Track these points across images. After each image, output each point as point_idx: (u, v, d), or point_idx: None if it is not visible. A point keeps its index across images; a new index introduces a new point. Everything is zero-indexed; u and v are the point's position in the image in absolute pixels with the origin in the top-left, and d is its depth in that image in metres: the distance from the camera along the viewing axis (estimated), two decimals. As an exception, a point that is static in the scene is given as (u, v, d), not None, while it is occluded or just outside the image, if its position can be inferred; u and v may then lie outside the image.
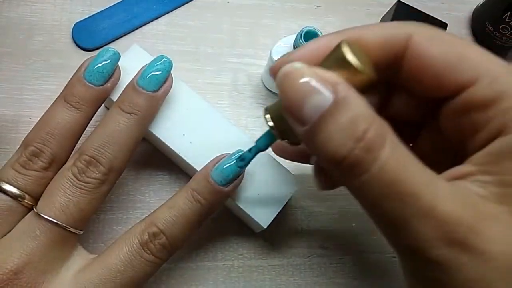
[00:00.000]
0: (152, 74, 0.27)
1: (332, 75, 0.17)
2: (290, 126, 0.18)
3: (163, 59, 0.27)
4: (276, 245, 0.33)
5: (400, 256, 0.18)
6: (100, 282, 0.24)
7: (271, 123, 0.22)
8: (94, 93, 0.26)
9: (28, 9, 0.36)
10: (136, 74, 0.27)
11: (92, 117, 0.27)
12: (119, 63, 0.28)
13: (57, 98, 0.26)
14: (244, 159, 0.25)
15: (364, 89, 0.18)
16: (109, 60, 0.26)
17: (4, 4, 0.36)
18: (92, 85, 0.26)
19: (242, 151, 0.26)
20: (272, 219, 0.29)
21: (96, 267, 0.24)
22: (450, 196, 0.16)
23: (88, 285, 0.24)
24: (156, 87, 0.27)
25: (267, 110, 0.22)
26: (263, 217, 0.29)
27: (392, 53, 0.19)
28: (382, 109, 0.23)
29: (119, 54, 0.27)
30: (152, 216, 0.26)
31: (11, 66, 0.34)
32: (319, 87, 0.17)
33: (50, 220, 0.23)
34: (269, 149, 0.25)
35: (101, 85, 0.26)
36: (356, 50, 0.19)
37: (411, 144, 0.24)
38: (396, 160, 0.16)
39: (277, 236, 0.33)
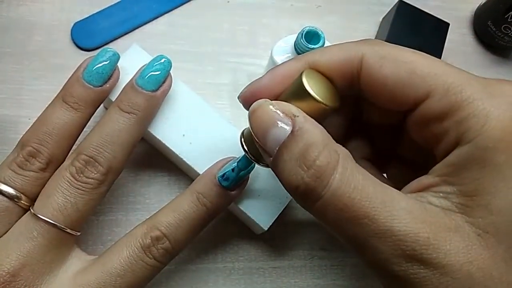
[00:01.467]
0: (151, 74, 0.26)
1: (291, 108, 0.19)
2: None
3: (162, 59, 0.27)
4: (277, 247, 0.33)
5: (371, 271, 0.18)
6: (99, 285, 0.23)
7: (246, 148, 0.23)
8: (92, 94, 0.26)
9: (27, 9, 0.36)
10: (135, 74, 0.27)
11: (90, 117, 0.27)
12: (118, 63, 0.27)
13: (55, 98, 0.26)
14: (228, 179, 0.26)
15: (327, 116, 0.20)
16: (108, 61, 0.26)
17: (3, 4, 0.36)
18: (91, 86, 0.26)
19: (221, 177, 0.26)
20: (273, 220, 0.29)
21: (95, 270, 0.24)
22: (407, 213, 0.16)
23: None
24: (155, 86, 0.26)
25: (242, 135, 0.23)
26: (264, 218, 0.28)
27: (348, 75, 0.20)
28: (358, 115, 0.24)
29: (119, 54, 0.27)
30: (154, 219, 0.25)
31: (10, 66, 0.34)
32: (279, 120, 0.18)
33: (48, 221, 0.23)
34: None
35: (100, 86, 0.26)
36: (316, 79, 0.20)
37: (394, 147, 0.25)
38: (349, 184, 0.17)
39: (278, 238, 0.33)
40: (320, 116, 0.19)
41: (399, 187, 0.19)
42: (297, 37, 0.32)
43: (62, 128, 0.25)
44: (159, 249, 0.24)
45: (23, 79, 0.34)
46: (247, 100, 0.22)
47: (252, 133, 0.19)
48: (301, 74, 0.20)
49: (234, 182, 0.26)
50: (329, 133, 0.23)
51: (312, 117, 0.19)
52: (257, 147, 0.20)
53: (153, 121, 0.28)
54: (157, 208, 0.32)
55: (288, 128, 0.18)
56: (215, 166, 0.27)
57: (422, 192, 0.18)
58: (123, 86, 0.27)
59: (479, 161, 0.16)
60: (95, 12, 0.36)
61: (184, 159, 0.29)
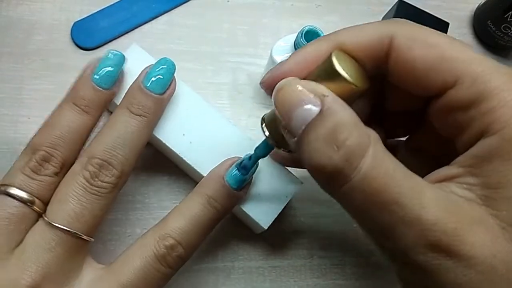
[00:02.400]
0: (159, 77, 0.26)
1: (320, 88, 0.18)
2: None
3: (167, 61, 0.27)
4: (277, 246, 0.33)
5: (389, 260, 0.18)
6: None
7: (267, 133, 0.22)
8: (103, 97, 0.26)
9: (27, 8, 0.36)
10: (139, 76, 0.27)
11: (99, 120, 0.27)
12: None
13: (64, 101, 0.26)
14: (245, 167, 0.26)
15: (356, 98, 0.19)
16: (117, 64, 0.26)
17: (3, 3, 0.35)
18: (101, 89, 0.26)
19: (238, 165, 0.26)
20: (272, 220, 0.28)
21: (109, 281, 0.23)
22: (435, 202, 0.16)
23: None
24: (163, 89, 0.27)
25: (263, 120, 0.23)
26: (263, 218, 0.28)
27: (377, 56, 0.20)
28: (381, 101, 0.24)
29: (125, 56, 0.27)
30: (165, 225, 0.25)
31: (10, 65, 0.34)
32: (307, 100, 0.17)
33: (65, 230, 0.23)
34: (270, 150, 0.25)
35: (109, 89, 0.26)
36: (345, 59, 0.19)
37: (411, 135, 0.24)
38: (379, 169, 0.16)
39: (278, 237, 0.33)
40: (350, 98, 0.19)
41: None
42: (297, 36, 0.32)
43: (74, 131, 0.25)
44: (174, 257, 0.24)
45: (23, 79, 0.34)
46: (271, 85, 0.20)
47: (277, 112, 0.19)
48: (330, 55, 0.19)
49: (250, 170, 0.26)
50: None
51: (341, 98, 0.18)
52: (278, 131, 0.20)
53: (154, 121, 0.28)
54: (157, 208, 0.32)
55: (316, 108, 0.17)
56: (222, 167, 0.27)
57: (445, 182, 0.17)
58: (126, 87, 0.27)
59: (504, 153, 0.16)
60: (95, 11, 0.36)
61: (184, 158, 0.29)
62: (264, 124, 0.23)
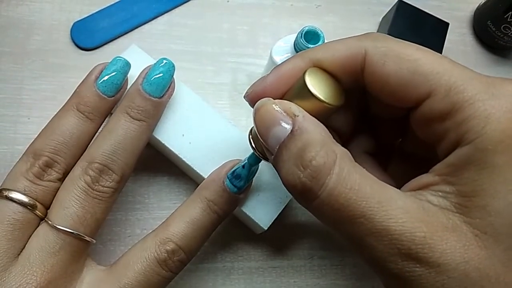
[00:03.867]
0: (157, 79, 0.26)
1: (293, 107, 0.19)
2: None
3: (166, 62, 0.27)
4: (277, 247, 0.33)
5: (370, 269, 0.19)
6: None
7: (253, 145, 0.23)
8: (106, 104, 0.26)
9: (27, 8, 0.36)
10: (138, 78, 0.27)
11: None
12: None
13: (67, 106, 0.26)
14: (239, 177, 0.26)
15: (331, 113, 0.20)
16: (123, 71, 0.26)
17: (3, 3, 0.35)
18: (105, 96, 0.26)
19: (232, 175, 0.26)
20: (272, 220, 0.28)
21: (110, 284, 0.24)
22: (405, 212, 0.16)
23: None
24: (162, 92, 0.26)
25: (250, 132, 0.23)
26: (263, 218, 0.28)
27: (352, 72, 0.20)
28: (365, 109, 0.24)
29: (130, 63, 0.27)
30: (166, 229, 0.25)
31: (10, 66, 0.34)
32: (280, 120, 0.19)
33: (69, 232, 0.23)
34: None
35: (113, 96, 0.26)
36: (320, 77, 0.20)
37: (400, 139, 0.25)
38: (344, 185, 0.17)
39: (278, 237, 0.33)
40: (324, 115, 0.20)
41: (399, 184, 0.19)
42: (297, 36, 0.31)
43: (77, 138, 0.25)
44: (175, 261, 0.24)
45: (22, 79, 0.34)
46: (253, 99, 0.22)
47: (256, 132, 0.20)
48: (304, 74, 0.20)
49: (246, 179, 0.26)
50: (335, 128, 0.23)
51: (316, 115, 0.19)
52: (261, 145, 0.20)
53: (153, 121, 0.28)
54: (157, 208, 0.32)
55: (288, 128, 0.18)
56: (222, 170, 0.27)
57: (422, 190, 0.18)
58: (125, 87, 0.27)
59: (479, 163, 0.16)
60: (94, 11, 0.36)
61: (184, 159, 0.28)
62: (250, 136, 0.23)
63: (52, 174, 0.24)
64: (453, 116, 0.17)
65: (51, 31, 0.35)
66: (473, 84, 0.17)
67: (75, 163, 0.25)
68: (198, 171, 0.28)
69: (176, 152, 0.29)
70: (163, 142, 0.28)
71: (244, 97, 0.23)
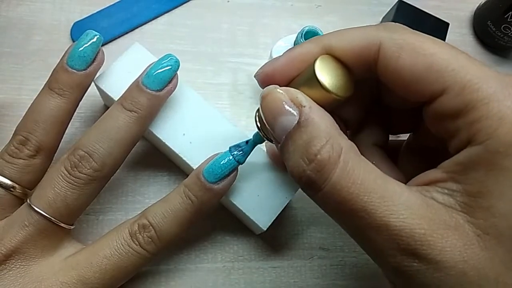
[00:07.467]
0: (157, 73, 0.26)
1: (299, 97, 0.19)
2: None
3: (170, 58, 0.27)
4: (277, 247, 0.33)
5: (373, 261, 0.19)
6: (87, 264, 0.24)
7: (258, 124, 0.23)
8: (76, 79, 0.26)
9: (27, 8, 0.36)
10: (142, 73, 0.27)
11: (78, 103, 0.27)
12: (121, 61, 0.27)
13: (43, 87, 0.27)
14: (242, 150, 0.25)
15: (339, 104, 0.20)
16: (89, 44, 0.26)
17: (3, 3, 0.36)
18: (74, 71, 0.26)
19: (235, 148, 0.26)
20: (272, 221, 0.28)
21: (85, 252, 0.25)
22: (407, 209, 0.17)
23: (75, 266, 0.24)
24: (160, 86, 0.26)
25: (257, 112, 0.23)
26: (262, 219, 0.28)
27: (365, 62, 0.20)
28: (377, 99, 0.24)
29: (101, 37, 0.27)
30: (146, 209, 0.26)
31: (10, 66, 0.34)
32: (287, 109, 0.19)
33: (39, 212, 0.24)
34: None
35: (84, 70, 0.26)
36: (330, 65, 0.20)
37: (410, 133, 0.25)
38: (348, 179, 0.17)
39: (278, 237, 0.33)
40: (332, 105, 0.19)
41: (408, 177, 0.19)
42: (297, 37, 0.32)
43: (48, 114, 0.26)
44: (145, 236, 0.25)
45: (22, 79, 0.34)
46: (263, 80, 0.22)
47: (263, 118, 0.20)
48: (314, 62, 0.20)
49: (246, 154, 0.26)
50: (343, 117, 0.23)
51: (323, 105, 0.19)
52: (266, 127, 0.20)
53: (154, 120, 0.28)
54: (157, 208, 0.32)
55: (295, 118, 0.19)
56: (205, 162, 0.27)
57: (428, 186, 0.18)
58: (127, 85, 0.27)
59: (487, 164, 0.16)
60: (94, 11, 0.36)
61: (184, 158, 0.28)
62: (257, 116, 0.23)
63: (23, 151, 0.25)
64: (465, 115, 0.17)
65: (51, 31, 0.35)
66: (489, 83, 0.17)
67: (53, 140, 0.26)
68: (198, 171, 0.28)
69: (177, 151, 0.29)
70: (163, 141, 0.29)
71: (254, 76, 0.23)
